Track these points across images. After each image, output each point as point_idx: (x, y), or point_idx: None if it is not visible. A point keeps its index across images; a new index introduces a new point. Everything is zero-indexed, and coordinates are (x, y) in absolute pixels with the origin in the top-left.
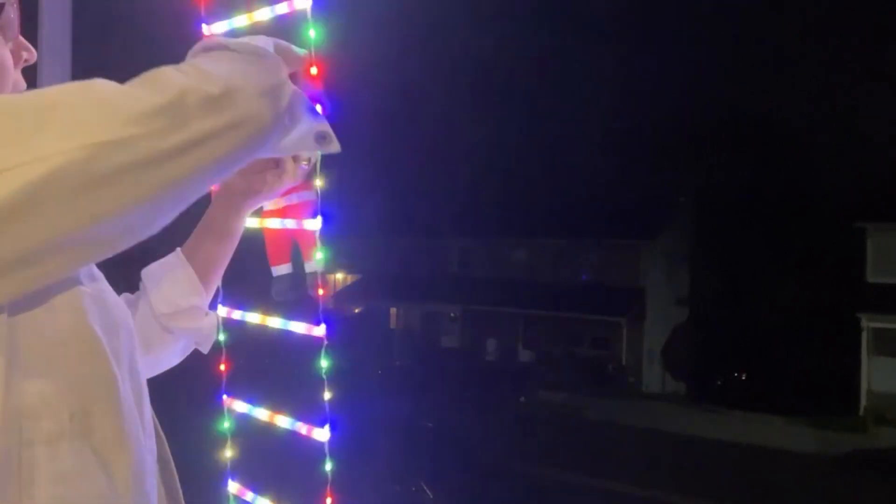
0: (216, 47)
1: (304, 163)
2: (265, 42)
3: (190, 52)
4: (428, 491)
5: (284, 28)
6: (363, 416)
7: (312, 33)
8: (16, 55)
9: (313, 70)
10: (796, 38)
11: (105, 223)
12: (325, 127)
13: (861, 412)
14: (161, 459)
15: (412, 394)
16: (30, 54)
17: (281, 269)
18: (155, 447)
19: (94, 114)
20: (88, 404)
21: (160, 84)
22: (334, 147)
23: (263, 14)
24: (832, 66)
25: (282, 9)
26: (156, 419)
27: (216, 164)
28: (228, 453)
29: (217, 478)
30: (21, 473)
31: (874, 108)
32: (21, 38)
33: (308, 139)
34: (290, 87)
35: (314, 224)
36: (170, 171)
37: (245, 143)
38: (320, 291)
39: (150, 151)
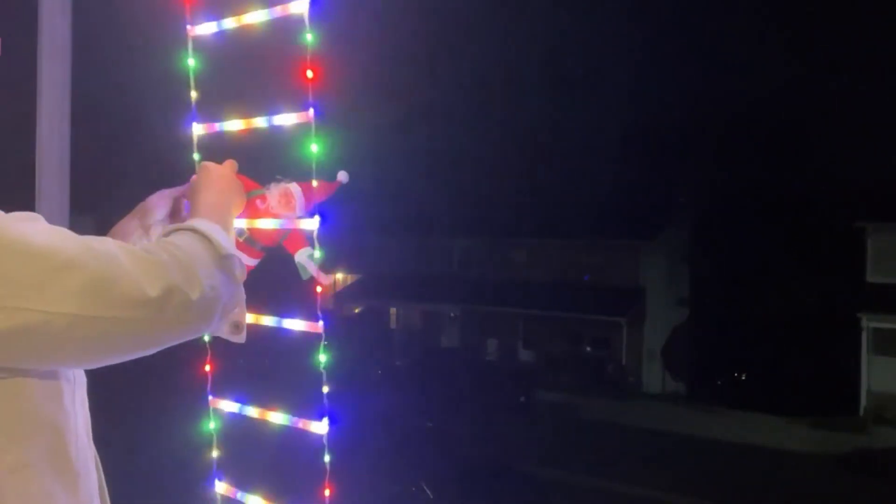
0: (206, 231)
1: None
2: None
3: (189, 221)
4: (428, 491)
5: (281, 31)
6: (363, 416)
7: (309, 37)
8: None
9: (309, 73)
10: (796, 38)
11: (64, 364)
12: (241, 318)
13: (861, 412)
14: (101, 486)
15: (412, 394)
16: None
17: (301, 254)
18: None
19: (92, 287)
20: (50, 438)
21: (156, 274)
22: (241, 338)
23: (256, 17)
24: (832, 66)
25: (277, 12)
26: (96, 452)
27: (162, 346)
28: (215, 453)
29: (204, 478)
30: None
31: (874, 108)
32: None
33: (223, 327)
34: (242, 295)
35: (311, 223)
36: (130, 345)
37: (188, 337)
38: (318, 289)
39: (123, 330)
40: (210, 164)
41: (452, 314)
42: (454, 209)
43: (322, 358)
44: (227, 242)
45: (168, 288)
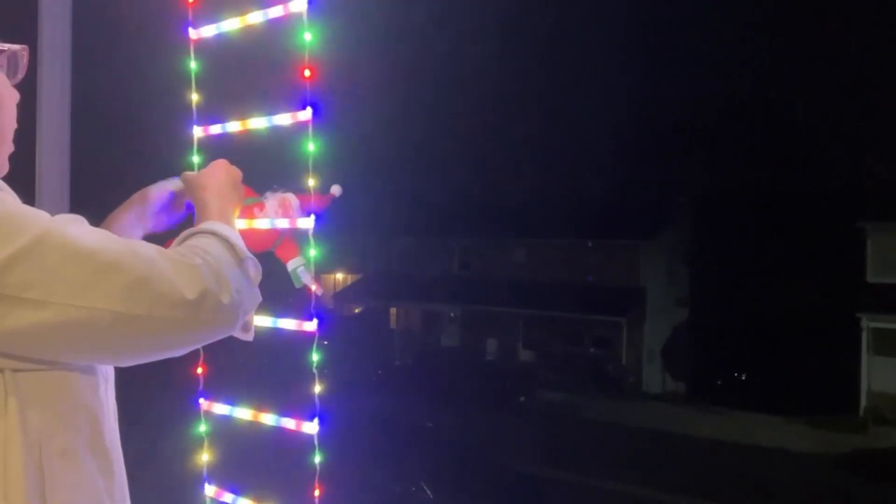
0: (226, 235)
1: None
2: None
3: (205, 223)
4: (428, 491)
5: (280, 31)
6: (363, 415)
7: (308, 36)
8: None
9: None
10: (796, 38)
11: (103, 359)
12: (250, 317)
13: (861, 412)
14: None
15: (412, 394)
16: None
17: (294, 263)
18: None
19: (135, 287)
20: (90, 427)
21: (192, 278)
22: (249, 336)
23: (256, 17)
24: (832, 66)
25: (277, 12)
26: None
27: (192, 347)
28: (205, 457)
29: (194, 481)
30: (45, 481)
31: (874, 108)
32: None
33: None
34: (259, 296)
35: (307, 223)
36: (165, 343)
37: (215, 338)
38: (313, 287)
39: (160, 329)
40: (214, 165)
41: (452, 314)
42: (454, 209)
43: (315, 357)
44: (244, 245)
45: (203, 292)
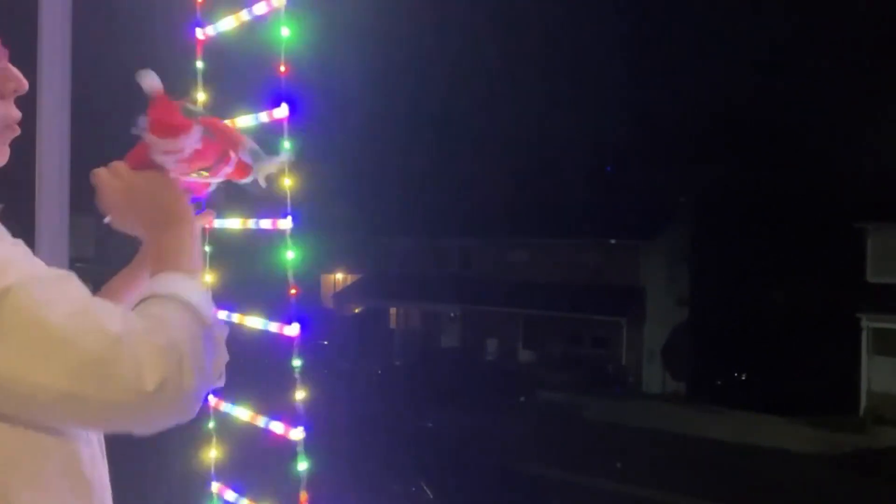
0: (189, 300)
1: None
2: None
3: (163, 282)
4: (428, 491)
5: (260, 28)
6: (363, 416)
7: (286, 31)
8: (4, 87)
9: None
10: (796, 38)
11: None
12: (221, 365)
13: (861, 412)
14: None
15: (412, 394)
16: (18, 84)
17: (245, 155)
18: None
19: (84, 366)
20: (64, 449)
21: (154, 365)
22: (220, 381)
23: (245, 14)
24: (832, 66)
25: (260, 8)
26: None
27: (140, 432)
28: (213, 454)
29: (200, 479)
30: None
31: (874, 108)
32: (10, 68)
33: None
34: (225, 356)
35: (285, 224)
36: (114, 426)
37: (170, 425)
38: (293, 291)
39: (106, 412)
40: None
41: (452, 314)
42: (454, 209)
43: (297, 363)
44: (209, 307)
45: (163, 381)
